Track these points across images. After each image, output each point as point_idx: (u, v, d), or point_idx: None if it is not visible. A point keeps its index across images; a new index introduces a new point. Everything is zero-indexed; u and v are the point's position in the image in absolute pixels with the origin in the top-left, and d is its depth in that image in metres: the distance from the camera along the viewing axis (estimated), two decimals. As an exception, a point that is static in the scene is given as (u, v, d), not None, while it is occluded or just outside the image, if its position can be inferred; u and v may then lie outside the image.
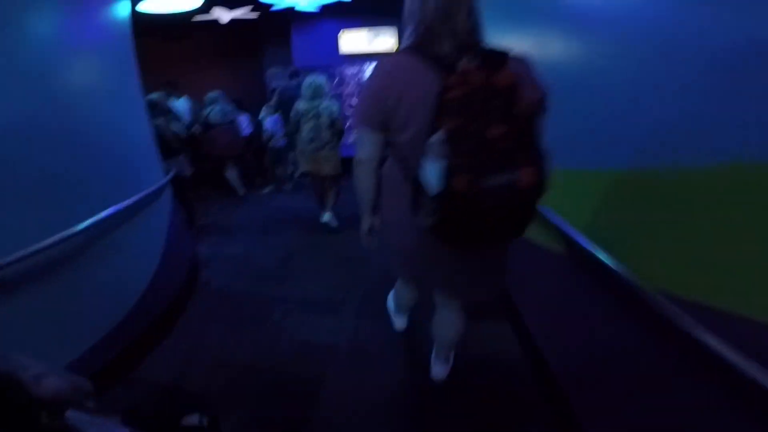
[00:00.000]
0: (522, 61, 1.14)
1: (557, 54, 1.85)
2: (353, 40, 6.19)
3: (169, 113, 3.96)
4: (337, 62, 6.35)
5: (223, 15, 5.35)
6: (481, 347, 2.15)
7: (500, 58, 1.05)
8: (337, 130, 3.67)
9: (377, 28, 6.06)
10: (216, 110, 4.99)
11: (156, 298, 2.40)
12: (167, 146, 3.62)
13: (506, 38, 2.68)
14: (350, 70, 6.47)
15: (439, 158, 0.97)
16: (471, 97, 0.97)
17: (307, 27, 6.33)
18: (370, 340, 2.28)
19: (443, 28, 1.09)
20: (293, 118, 3.75)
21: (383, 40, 6.10)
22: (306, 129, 3.67)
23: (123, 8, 2.70)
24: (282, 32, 6.48)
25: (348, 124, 6.27)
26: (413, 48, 1.14)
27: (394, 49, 5.95)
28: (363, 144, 1.23)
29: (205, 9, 4.94)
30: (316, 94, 3.60)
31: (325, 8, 5.57)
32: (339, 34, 6.19)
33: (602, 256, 1.29)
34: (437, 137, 0.97)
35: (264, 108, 5.64)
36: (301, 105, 3.67)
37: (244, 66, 7.52)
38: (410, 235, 1.28)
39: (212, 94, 5.06)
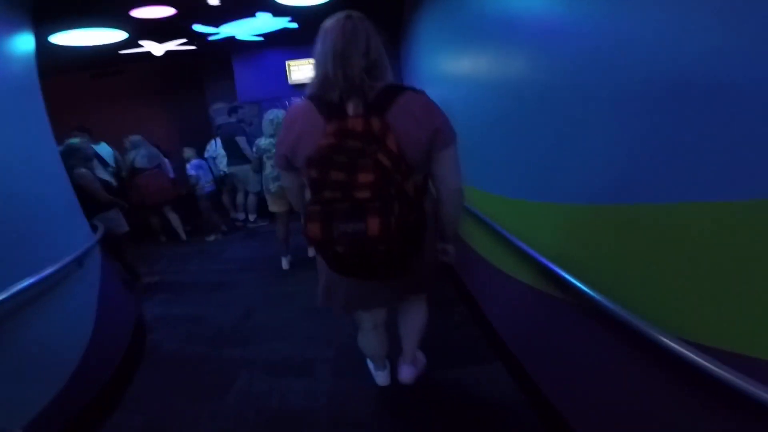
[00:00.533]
0: (416, 99, 1.17)
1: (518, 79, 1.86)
2: (301, 70, 6.05)
3: (91, 161, 3.66)
4: (286, 93, 6.16)
5: (154, 47, 5.04)
6: (474, 390, 2.03)
7: (386, 101, 1.12)
8: None
9: None
10: (141, 154, 4.78)
11: (93, 373, 2.13)
12: (94, 200, 3.31)
13: (457, 60, 2.85)
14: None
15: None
16: (338, 148, 1.03)
17: (251, 58, 6.14)
18: (351, 401, 2.06)
19: (338, 73, 1.12)
20: (255, 155, 3.68)
21: None
22: (269, 166, 3.57)
23: (23, 42, 2.41)
24: (224, 65, 6.28)
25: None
26: (312, 95, 1.20)
27: None
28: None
29: (132, 42, 4.67)
30: (279, 129, 3.48)
31: (268, 38, 5.43)
32: (286, 64, 6.03)
33: (596, 295, 1.25)
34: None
35: (185, 150, 5.45)
36: (262, 141, 3.61)
37: (186, 103, 7.23)
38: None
39: (134, 138, 4.86)
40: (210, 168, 5.54)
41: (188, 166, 5.32)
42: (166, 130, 7.24)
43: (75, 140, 3.49)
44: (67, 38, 4.05)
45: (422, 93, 1.19)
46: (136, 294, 3.54)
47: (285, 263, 3.97)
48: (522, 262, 1.88)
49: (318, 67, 1.19)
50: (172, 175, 5.30)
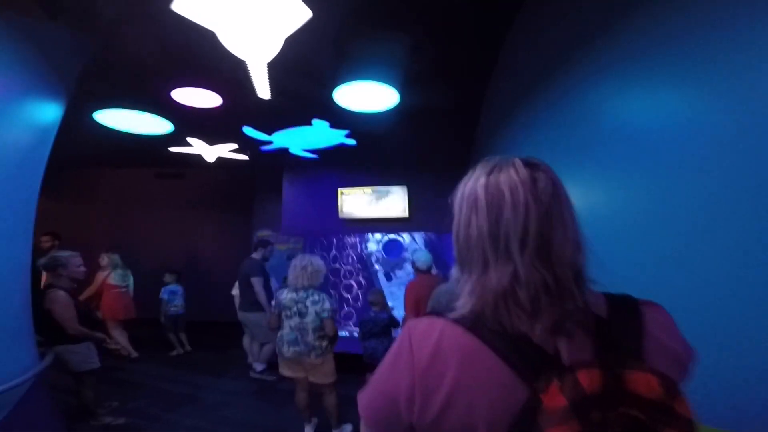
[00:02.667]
0: (663, 318, 0.70)
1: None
2: (353, 202, 5.51)
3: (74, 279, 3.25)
4: (333, 227, 5.58)
5: (205, 149, 5.01)
6: None
7: (631, 330, 0.66)
8: (327, 335, 3.06)
9: (383, 188, 5.39)
10: (117, 273, 5.36)
11: None
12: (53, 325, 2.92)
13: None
14: (350, 241, 5.67)
15: None
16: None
17: (301, 182, 5.79)
18: None
19: (537, 277, 0.63)
20: (274, 310, 3.18)
21: (390, 203, 5.36)
22: (288, 326, 3.07)
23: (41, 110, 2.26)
24: (275, 186, 5.99)
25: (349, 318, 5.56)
26: (473, 318, 0.67)
27: (405, 214, 5.21)
28: None
29: (179, 137, 4.68)
30: (307, 281, 3.08)
31: (322, 157, 5.20)
32: (338, 193, 5.54)
33: None
34: None
35: (167, 275, 5.87)
36: (284, 295, 3.13)
37: (234, 221, 7.19)
38: None
39: (114, 256, 5.42)
40: (182, 294, 5.85)
41: (163, 289, 5.73)
42: (210, 246, 7.41)
43: (64, 253, 3.16)
44: (113, 119, 4.14)
45: (656, 304, 0.72)
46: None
47: None
48: None
49: (476, 262, 0.69)
50: (178, 308, 5.83)
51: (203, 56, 2.88)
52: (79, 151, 5.55)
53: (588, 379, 0.57)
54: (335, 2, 2.37)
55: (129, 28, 2.68)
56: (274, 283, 4.83)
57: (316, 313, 2.99)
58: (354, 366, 3.79)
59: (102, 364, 3.29)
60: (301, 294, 3.03)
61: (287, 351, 3.03)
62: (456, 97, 3.83)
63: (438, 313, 0.71)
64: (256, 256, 4.65)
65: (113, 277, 5.27)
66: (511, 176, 0.68)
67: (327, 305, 3.03)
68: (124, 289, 5.38)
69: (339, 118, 3.99)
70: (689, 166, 1.21)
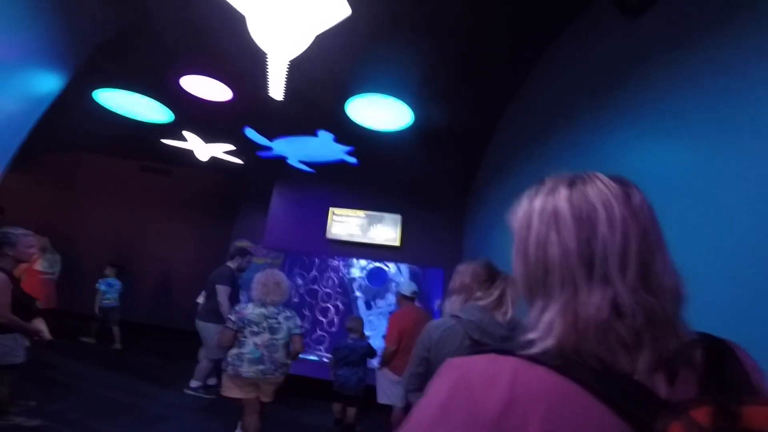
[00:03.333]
0: (744, 354, 0.62)
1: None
2: (343, 223, 5.35)
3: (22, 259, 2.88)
4: (318, 247, 5.41)
5: (199, 147, 4.89)
6: None
7: (736, 371, 0.57)
8: (295, 351, 2.99)
9: (376, 213, 5.24)
10: (45, 258, 5.04)
11: None
12: None
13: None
14: (332, 264, 5.47)
15: None
16: None
17: (292, 192, 5.60)
18: None
19: (638, 303, 0.55)
20: (233, 327, 2.89)
21: (382, 230, 5.22)
22: (250, 344, 2.84)
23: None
24: (263, 197, 5.81)
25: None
26: (560, 355, 0.55)
27: (396, 243, 5.09)
28: None
29: (175, 129, 4.54)
30: (279, 297, 2.97)
31: (318, 173, 5.16)
32: (328, 212, 5.38)
33: None
34: None
35: (108, 268, 5.96)
36: (249, 310, 2.92)
37: (215, 225, 6.92)
38: None
39: (43, 240, 4.98)
40: (118, 289, 5.87)
41: (101, 281, 5.78)
42: (183, 250, 7.13)
43: (16, 230, 2.77)
44: (113, 100, 4.03)
45: (735, 343, 0.65)
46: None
47: None
48: None
49: (563, 284, 0.59)
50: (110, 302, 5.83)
51: (226, 42, 2.83)
52: (67, 131, 5.33)
53: (703, 418, 0.49)
54: (374, 8, 2.36)
55: (159, 3, 2.59)
56: (244, 297, 4.56)
57: (289, 329, 2.91)
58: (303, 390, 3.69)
59: (31, 360, 2.94)
60: (272, 309, 2.90)
61: (247, 370, 2.79)
62: (465, 129, 3.86)
63: (498, 349, 0.60)
64: (231, 264, 4.38)
65: (40, 262, 4.96)
66: (601, 189, 0.61)
67: (298, 321, 2.99)
68: (49, 276, 5.12)
69: (346, 132, 3.96)
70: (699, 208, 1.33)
